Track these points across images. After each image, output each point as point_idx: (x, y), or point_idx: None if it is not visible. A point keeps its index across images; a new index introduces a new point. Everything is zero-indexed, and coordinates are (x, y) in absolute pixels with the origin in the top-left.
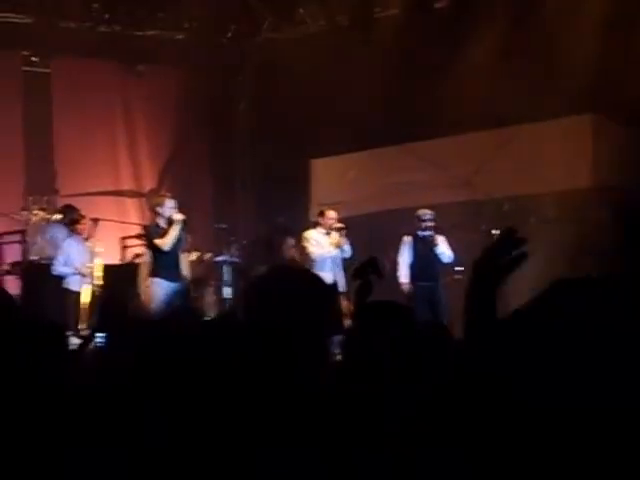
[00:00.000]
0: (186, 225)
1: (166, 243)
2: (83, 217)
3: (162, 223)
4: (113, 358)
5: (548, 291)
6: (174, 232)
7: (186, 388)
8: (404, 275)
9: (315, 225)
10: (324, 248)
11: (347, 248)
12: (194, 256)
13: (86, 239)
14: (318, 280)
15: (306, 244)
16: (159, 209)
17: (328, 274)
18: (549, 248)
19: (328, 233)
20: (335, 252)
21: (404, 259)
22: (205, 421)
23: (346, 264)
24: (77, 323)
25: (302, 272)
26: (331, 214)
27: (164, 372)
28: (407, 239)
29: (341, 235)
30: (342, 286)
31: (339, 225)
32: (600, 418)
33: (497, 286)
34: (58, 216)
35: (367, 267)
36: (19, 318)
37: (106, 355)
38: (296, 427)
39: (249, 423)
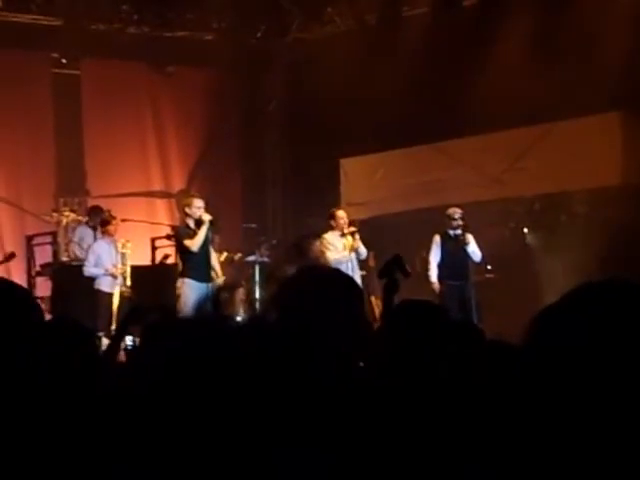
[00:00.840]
0: (213, 225)
1: (195, 244)
2: (114, 218)
3: (191, 224)
4: (143, 361)
5: (573, 294)
6: (202, 233)
7: (213, 390)
8: (434, 274)
9: (329, 228)
10: (340, 252)
11: (362, 250)
12: (223, 257)
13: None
14: (349, 280)
15: (323, 249)
16: (188, 210)
17: None
18: (580, 245)
19: (343, 235)
20: (350, 255)
21: (434, 258)
22: (228, 422)
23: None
24: (109, 324)
25: (333, 272)
26: (341, 214)
27: (192, 375)
28: (437, 238)
29: (355, 239)
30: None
31: (352, 229)
32: (616, 425)
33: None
34: (86, 218)
35: (392, 265)
36: (42, 319)
37: (136, 358)
38: (328, 427)
39: (274, 423)
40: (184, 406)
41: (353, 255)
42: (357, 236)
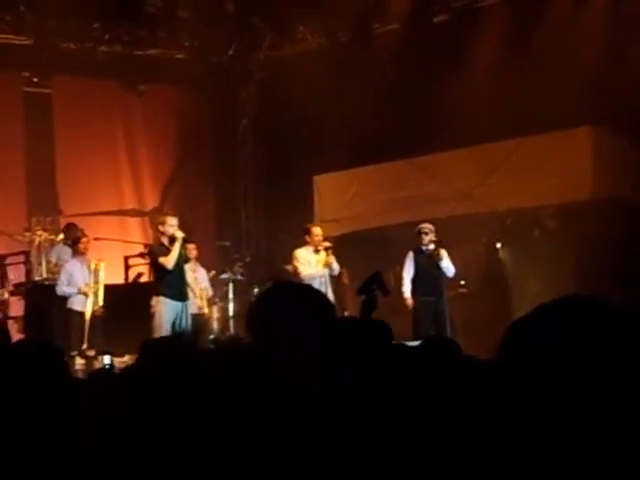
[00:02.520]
0: (185, 242)
1: (169, 261)
2: (85, 235)
3: (165, 241)
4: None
5: (548, 303)
6: (176, 250)
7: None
8: (408, 290)
9: (304, 243)
10: (313, 267)
11: (335, 267)
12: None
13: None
14: (321, 295)
15: (296, 263)
16: (161, 227)
17: None
18: (552, 259)
19: (317, 251)
20: (324, 271)
21: (408, 274)
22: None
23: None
24: (81, 343)
25: (305, 287)
26: (317, 231)
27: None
28: (411, 254)
29: (328, 254)
30: None
31: (326, 244)
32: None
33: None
34: (62, 236)
35: (372, 283)
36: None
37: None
38: (320, 428)
39: (268, 425)
40: (183, 414)
41: (326, 271)
42: (331, 252)
